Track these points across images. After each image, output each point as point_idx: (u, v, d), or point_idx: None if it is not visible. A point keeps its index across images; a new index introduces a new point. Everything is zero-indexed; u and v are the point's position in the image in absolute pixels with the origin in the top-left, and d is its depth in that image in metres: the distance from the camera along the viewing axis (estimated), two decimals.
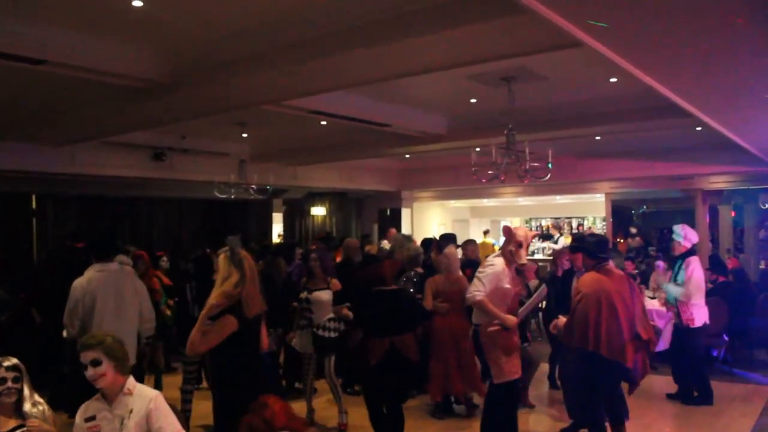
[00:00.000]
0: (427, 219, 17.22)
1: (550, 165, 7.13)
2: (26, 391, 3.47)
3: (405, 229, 15.44)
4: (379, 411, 5.25)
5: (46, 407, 3.52)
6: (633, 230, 15.30)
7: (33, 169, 9.77)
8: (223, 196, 10.43)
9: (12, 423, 3.38)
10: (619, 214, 15.43)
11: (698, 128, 8.84)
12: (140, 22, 5.23)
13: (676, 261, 6.97)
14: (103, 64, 5.70)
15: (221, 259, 4.11)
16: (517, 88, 7.14)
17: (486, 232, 16.78)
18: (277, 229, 17.93)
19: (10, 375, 3.41)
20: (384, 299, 5.23)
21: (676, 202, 15.01)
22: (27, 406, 3.45)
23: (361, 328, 5.42)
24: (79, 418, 3.25)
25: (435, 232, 16.43)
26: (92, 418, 3.21)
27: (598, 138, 10.49)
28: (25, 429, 3.37)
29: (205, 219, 15.37)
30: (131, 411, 3.19)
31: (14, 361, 3.47)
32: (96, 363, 3.15)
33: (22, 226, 12.34)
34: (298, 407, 6.80)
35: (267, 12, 5.07)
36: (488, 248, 13.74)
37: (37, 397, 3.54)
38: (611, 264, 4.99)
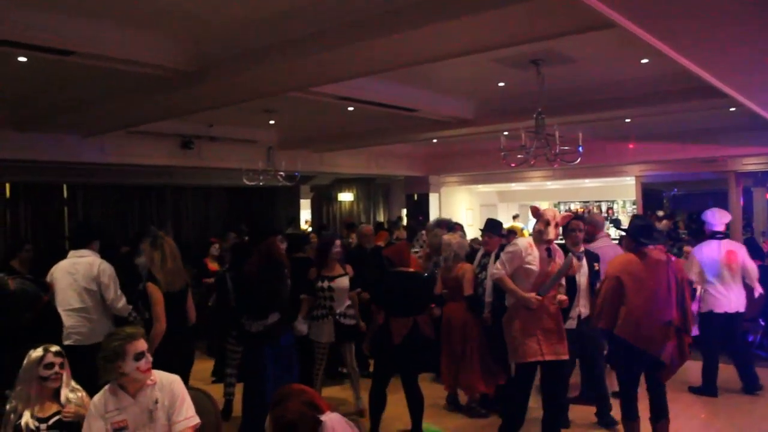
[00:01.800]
0: (455, 204, 17.15)
1: (580, 148, 7.02)
2: (65, 378, 3.52)
3: (433, 215, 15.38)
4: (383, 390, 5.46)
5: (83, 393, 3.55)
6: (660, 213, 15.04)
7: (63, 159, 9.88)
8: (252, 184, 10.46)
9: (54, 408, 3.43)
10: (650, 197, 15.19)
11: (732, 109, 8.64)
12: (166, 12, 5.24)
13: None
14: (130, 54, 5.71)
15: (145, 246, 4.90)
16: (545, 70, 7.02)
17: (515, 217, 16.70)
18: (305, 215, 18.02)
19: (58, 360, 3.47)
20: (405, 279, 5.47)
21: (708, 184, 14.72)
22: (66, 392, 3.49)
23: (381, 308, 5.54)
24: (98, 414, 3.12)
25: (463, 216, 16.39)
26: (115, 411, 3.11)
27: (628, 120, 10.32)
28: (61, 415, 3.41)
29: (233, 206, 15.46)
30: (156, 401, 3.16)
31: (58, 347, 3.54)
32: (142, 355, 3.14)
33: (55, 216, 12.55)
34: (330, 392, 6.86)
35: None
36: (518, 233, 13.62)
37: (74, 384, 3.58)
38: (650, 248, 4.92)
